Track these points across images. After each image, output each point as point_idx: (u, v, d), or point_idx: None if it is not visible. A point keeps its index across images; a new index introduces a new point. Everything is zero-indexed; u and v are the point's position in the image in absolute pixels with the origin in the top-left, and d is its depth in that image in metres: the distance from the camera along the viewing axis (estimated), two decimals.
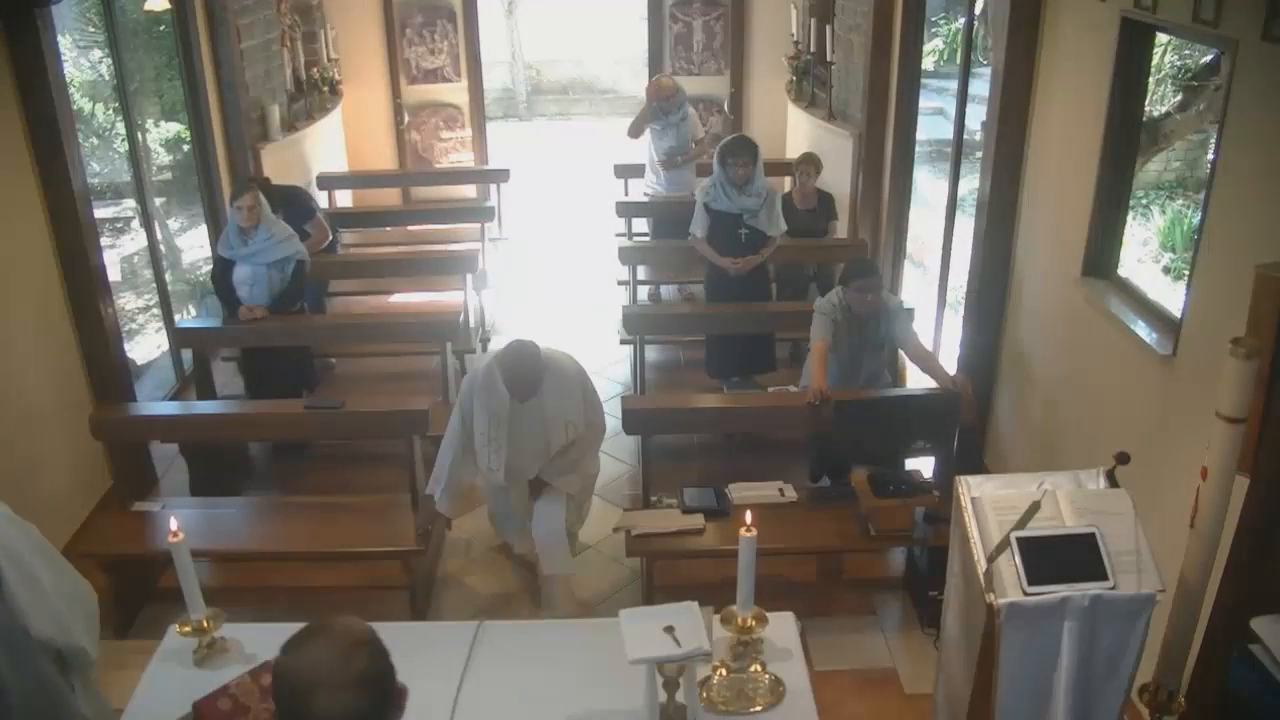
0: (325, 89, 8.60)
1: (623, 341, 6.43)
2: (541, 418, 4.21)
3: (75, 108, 5.53)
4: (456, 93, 9.44)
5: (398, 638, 2.79)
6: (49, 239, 4.92)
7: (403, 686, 1.82)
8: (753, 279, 5.87)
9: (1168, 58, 6.82)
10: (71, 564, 2.79)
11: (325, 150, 8.58)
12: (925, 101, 7.07)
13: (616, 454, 5.84)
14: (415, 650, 2.82)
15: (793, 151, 8.20)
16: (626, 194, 7.97)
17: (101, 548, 4.49)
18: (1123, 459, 2.81)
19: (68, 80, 5.09)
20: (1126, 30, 4.00)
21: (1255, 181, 3.21)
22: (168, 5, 6.58)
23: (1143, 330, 3.92)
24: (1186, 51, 6.66)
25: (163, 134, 7.47)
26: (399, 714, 1.82)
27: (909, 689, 4.18)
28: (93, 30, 6.75)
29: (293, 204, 6.23)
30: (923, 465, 4.93)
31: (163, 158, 7.55)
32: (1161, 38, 4.37)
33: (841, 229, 7.06)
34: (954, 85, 6.22)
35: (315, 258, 6.06)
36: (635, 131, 7.45)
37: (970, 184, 5.83)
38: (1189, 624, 2.81)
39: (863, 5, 6.97)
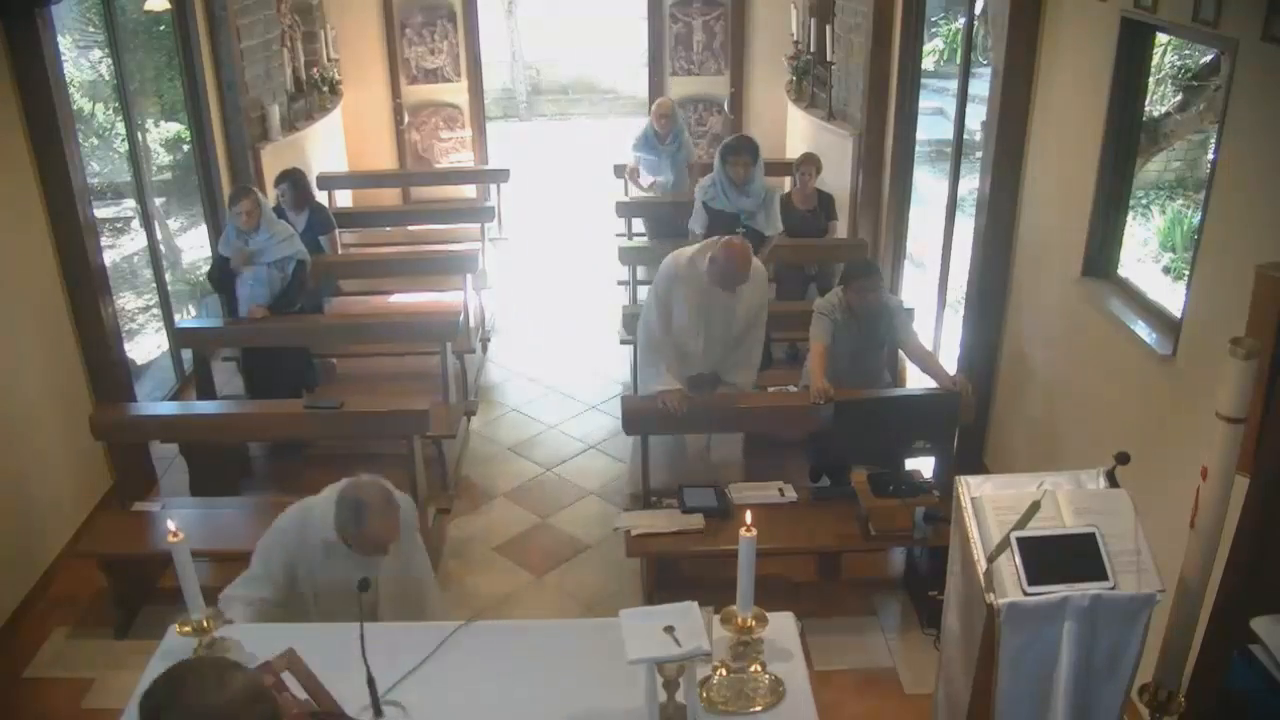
0: (325, 89, 8.60)
1: (623, 341, 6.41)
2: (733, 306, 4.73)
3: (75, 108, 5.52)
4: (456, 93, 9.44)
5: (394, 638, 2.83)
6: (49, 239, 4.92)
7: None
8: None
9: (1168, 58, 6.81)
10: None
11: (325, 150, 8.58)
12: (925, 101, 7.07)
13: (616, 454, 5.84)
14: (412, 650, 2.84)
15: (793, 151, 8.20)
16: (626, 194, 7.97)
17: (101, 548, 4.49)
18: (1123, 459, 2.81)
19: (68, 80, 5.09)
20: (1126, 30, 4.00)
21: (1255, 181, 3.21)
22: (168, 5, 6.58)
23: (1143, 330, 3.92)
24: (1186, 51, 6.65)
25: (163, 134, 7.47)
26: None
27: (909, 689, 4.18)
28: (93, 30, 6.74)
29: (317, 215, 6.50)
30: (923, 465, 4.93)
31: (163, 158, 7.55)
32: (1161, 38, 4.37)
33: (841, 229, 7.06)
34: (954, 85, 6.22)
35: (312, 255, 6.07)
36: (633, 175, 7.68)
37: (970, 184, 5.82)
38: (1189, 624, 2.81)
39: (863, 5, 6.97)
